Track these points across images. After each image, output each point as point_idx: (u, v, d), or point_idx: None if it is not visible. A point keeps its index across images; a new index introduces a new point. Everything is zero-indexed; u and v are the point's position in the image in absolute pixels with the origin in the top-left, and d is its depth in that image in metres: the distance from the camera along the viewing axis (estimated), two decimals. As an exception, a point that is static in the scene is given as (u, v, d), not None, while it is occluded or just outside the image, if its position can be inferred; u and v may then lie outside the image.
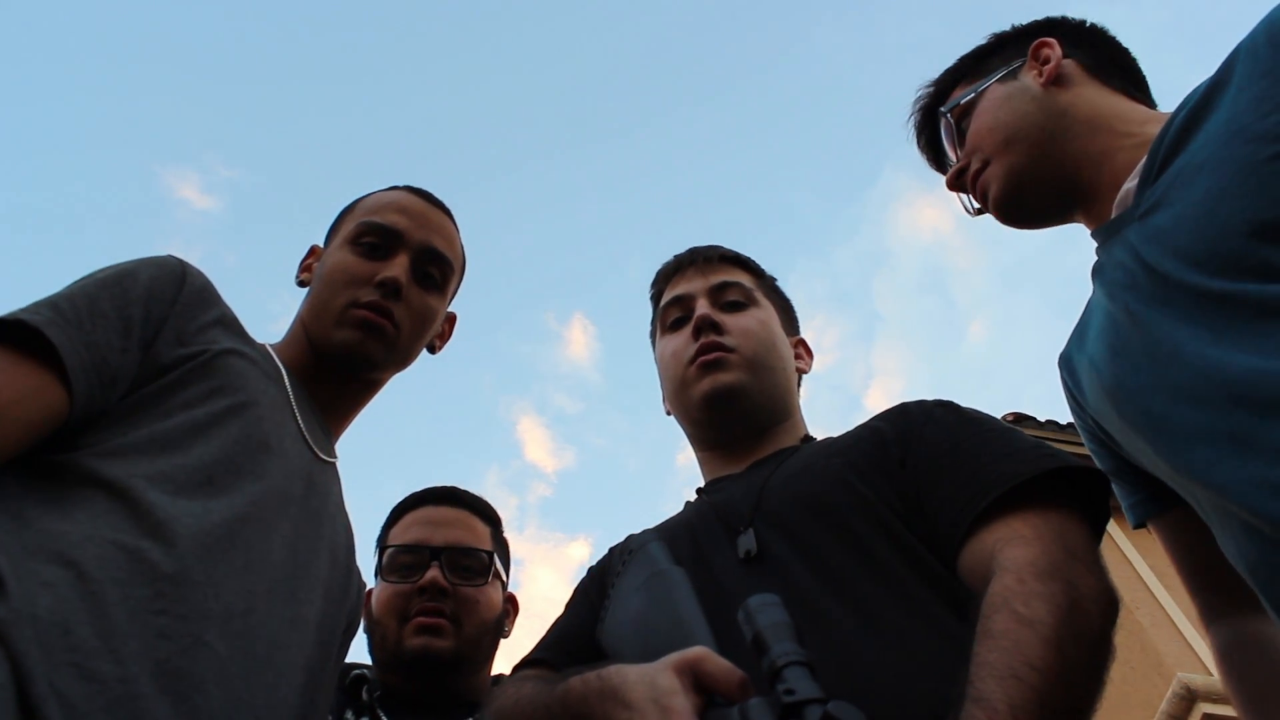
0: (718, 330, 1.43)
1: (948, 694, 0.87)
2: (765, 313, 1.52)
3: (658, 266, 1.64)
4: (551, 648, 1.27)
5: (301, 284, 1.44)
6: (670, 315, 1.53)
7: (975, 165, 1.31)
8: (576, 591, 1.37)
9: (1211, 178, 0.96)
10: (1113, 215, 1.15)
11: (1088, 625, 0.90)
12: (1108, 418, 1.11)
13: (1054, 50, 1.30)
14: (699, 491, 1.45)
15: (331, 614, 1.21)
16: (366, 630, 1.75)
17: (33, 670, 0.82)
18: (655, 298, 1.63)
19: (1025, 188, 1.26)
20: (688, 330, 1.46)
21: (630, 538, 1.29)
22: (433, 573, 1.69)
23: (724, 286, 1.51)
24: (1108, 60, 1.32)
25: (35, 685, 0.81)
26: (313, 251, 1.48)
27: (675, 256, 1.61)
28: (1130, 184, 1.13)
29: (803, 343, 1.62)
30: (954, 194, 1.41)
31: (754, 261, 1.62)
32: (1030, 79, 1.29)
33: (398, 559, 1.74)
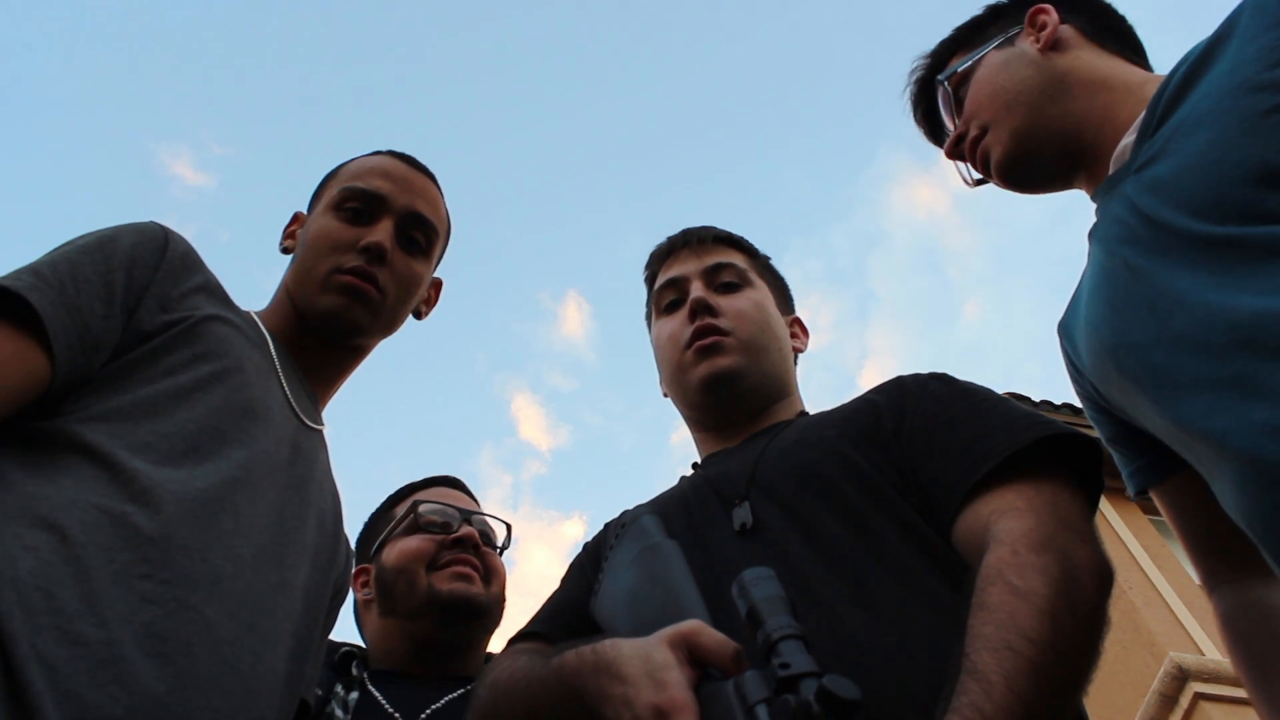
0: (713, 313, 1.43)
1: (941, 667, 0.86)
2: (760, 293, 1.51)
3: (653, 245, 1.62)
4: (546, 621, 1.27)
5: (286, 251, 1.43)
6: (665, 298, 1.52)
7: (974, 131, 1.31)
8: (571, 567, 1.37)
9: (1213, 129, 0.95)
10: (1110, 172, 1.14)
11: (1082, 596, 0.89)
12: (1108, 378, 1.10)
13: (1051, 16, 1.30)
14: (694, 466, 1.44)
15: (319, 580, 1.20)
16: (382, 587, 1.73)
17: (15, 633, 0.82)
18: (649, 279, 1.62)
19: (1028, 150, 1.25)
20: (683, 313, 1.46)
21: (624, 513, 1.29)
22: (469, 529, 1.74)
23: (718, 268, 1.50)
24: (1104, 25, 1.32)
25: (17, 648, 0.81)
26: (296, 218, 1.47)
27: (669, 238, 1.60)
28: (1127, 139, 1.13)
29: (798, 321, 1.62)
30: (950, 169, 1.41)
31: (748, 241, 1.61)
32: (1028, 45, 1.29)
33: (430, 517, 1.77)
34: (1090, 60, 1.25)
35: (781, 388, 1.47)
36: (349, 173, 1.42)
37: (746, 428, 1.42)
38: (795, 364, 1.56)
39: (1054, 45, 1.27)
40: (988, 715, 0.77)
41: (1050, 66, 1.25)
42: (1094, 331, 1.10)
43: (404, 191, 1.39)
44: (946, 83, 1.37)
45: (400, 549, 1.73)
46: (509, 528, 1.85)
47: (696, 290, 1.46)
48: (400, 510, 1.82)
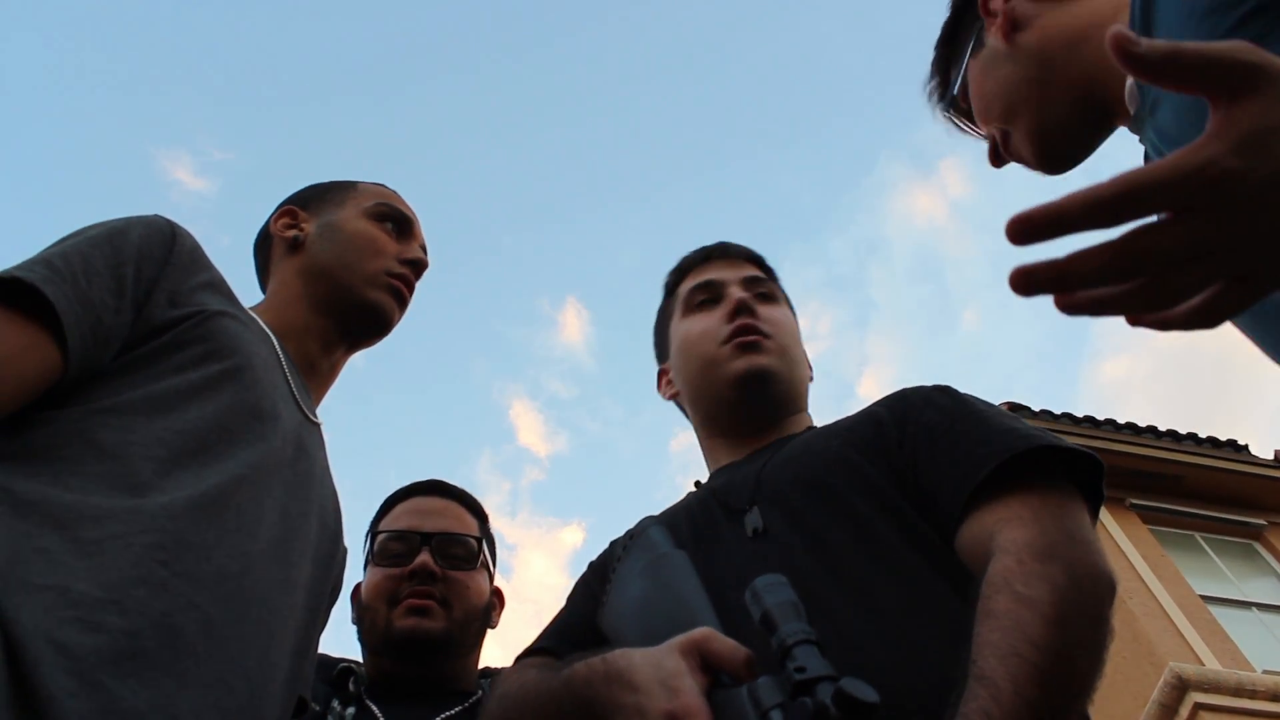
0: (754, 315, 1.45)
1: (947, 674, 0.87)
2: (789, 312, 1.57)
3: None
4: (553, 637, 1.27)
5: (293, 241, 1.45)
6: (697, 297, 1.53)
7: (998, 135, 1.26)
8: (577, 584, 1.37)
9: None
10: (1130, 109, 1.08)
11: (1087, 604, 0.90)
12: None
13: (996, 1, 1.20)
14: (697, 484, 1.45)
15: (319, 578, 1.21)
16: (356, 619, 1.77)
17: (23, 636, 0.81)
18: (674, 283, 1.63)
19: (1051, 143, 1.19)
20: (719, 311, 1.47)
21: (631, 527, 1.30)
22: (423, 557, 1.71)
23: (755, 279, 1.54)
24: None
25: (26, 651, 0.81)
26: (293, 214, 1.50)
27: (702, 248, 1.63)
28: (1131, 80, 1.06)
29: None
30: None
31: (774, 269, 1.64)
32: (995, 39, 1.20)
33: (389, 546, 1.76)
34: (1055, 19, 1.14)
35: (800, 403, 1.48)
36: (373, 192, 1.55)
37: (757, 438, 1.42)
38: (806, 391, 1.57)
39: (1015, 26, 1.17)
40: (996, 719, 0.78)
41: (1024, 52, 1.16)
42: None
43: (416, 219, 1.57)
44: (953, 113, 1.33)
45: (367, 584, 1.76)
46: (478, 541, 1.81)
47: (738, 292, 1.48)
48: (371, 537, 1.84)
